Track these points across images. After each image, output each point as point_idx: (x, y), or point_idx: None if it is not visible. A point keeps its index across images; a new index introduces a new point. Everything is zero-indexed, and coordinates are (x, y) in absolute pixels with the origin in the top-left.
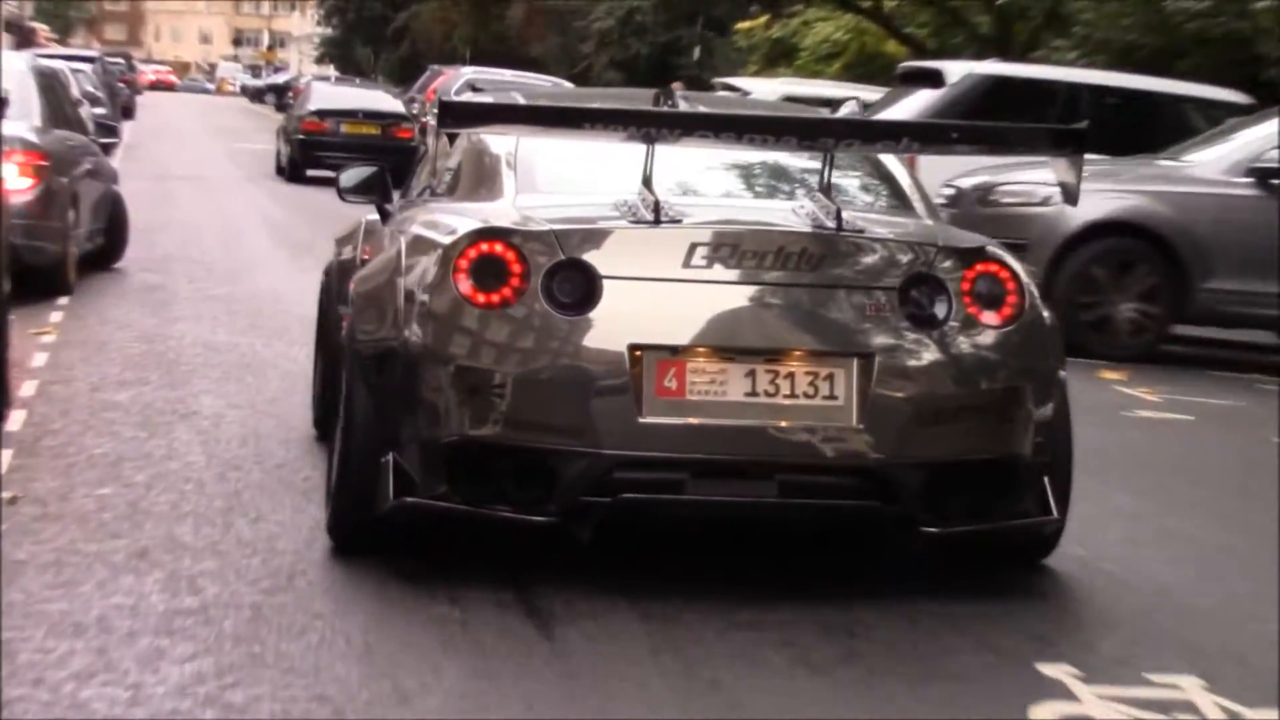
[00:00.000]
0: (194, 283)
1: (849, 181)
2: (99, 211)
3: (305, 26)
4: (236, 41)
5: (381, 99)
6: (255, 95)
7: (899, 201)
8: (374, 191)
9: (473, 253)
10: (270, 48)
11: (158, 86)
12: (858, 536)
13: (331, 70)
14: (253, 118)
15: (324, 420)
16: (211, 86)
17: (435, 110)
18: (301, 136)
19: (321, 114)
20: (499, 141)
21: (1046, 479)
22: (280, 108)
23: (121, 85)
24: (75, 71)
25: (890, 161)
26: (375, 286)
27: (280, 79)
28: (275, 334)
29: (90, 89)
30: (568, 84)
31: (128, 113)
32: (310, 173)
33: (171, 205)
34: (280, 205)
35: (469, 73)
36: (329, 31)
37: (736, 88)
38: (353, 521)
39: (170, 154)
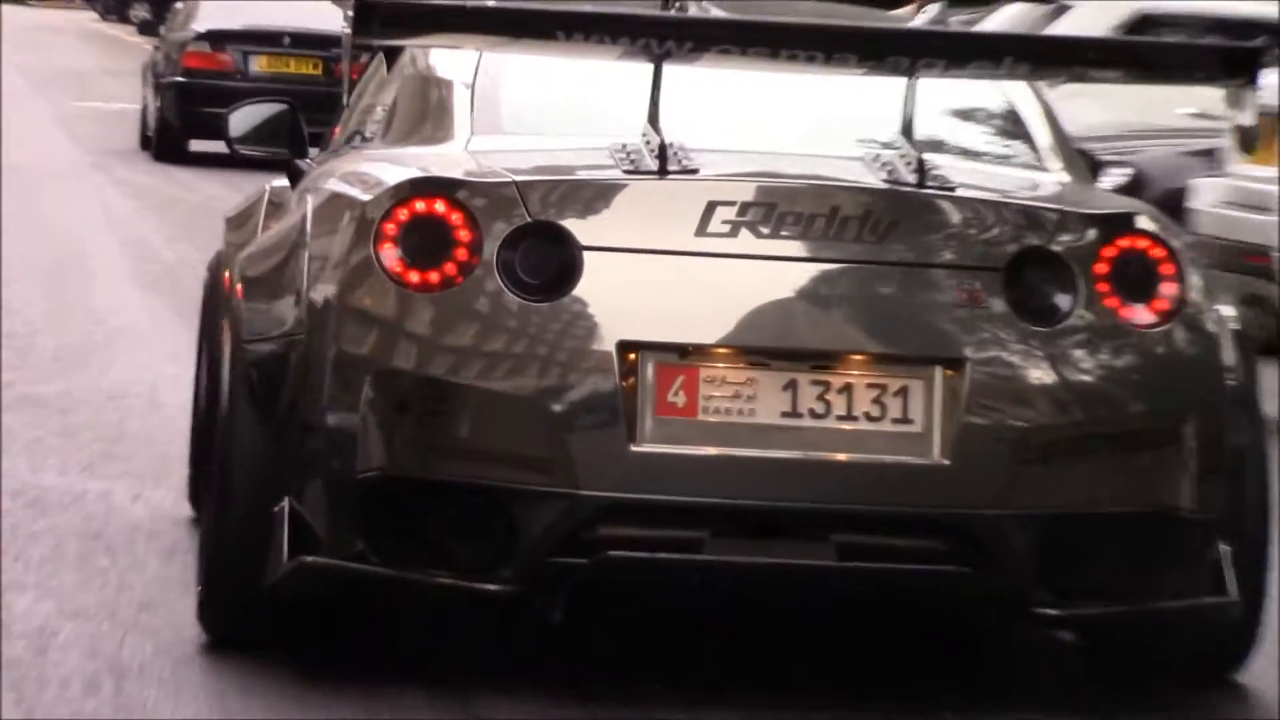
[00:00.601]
0: None
1: (950, 119)
2: None
3: None
4: None
5: (324, 13)
6: (113, 5)
7: (1024, 149)
8: (280, 140)
9: (403, 213)
10: None
11: None
12: (944, 619)
13: None
14: (107, 50)
15: (207, 567)
16: None
17: (350, 14)
18: (181, 80)
19: (216, 39)
20: (452, 66)
21: (1226, 546)
22: (147, 30)
23: None
24: None
25: (1017, 91)
26: (268, 268)
27: None
28: (146, 472)
29: None
30: None
31: None
32: (197, 145)
33: None
34: (150, 210)
35: None
36: None
37: None
38: (233, 598)
39: None
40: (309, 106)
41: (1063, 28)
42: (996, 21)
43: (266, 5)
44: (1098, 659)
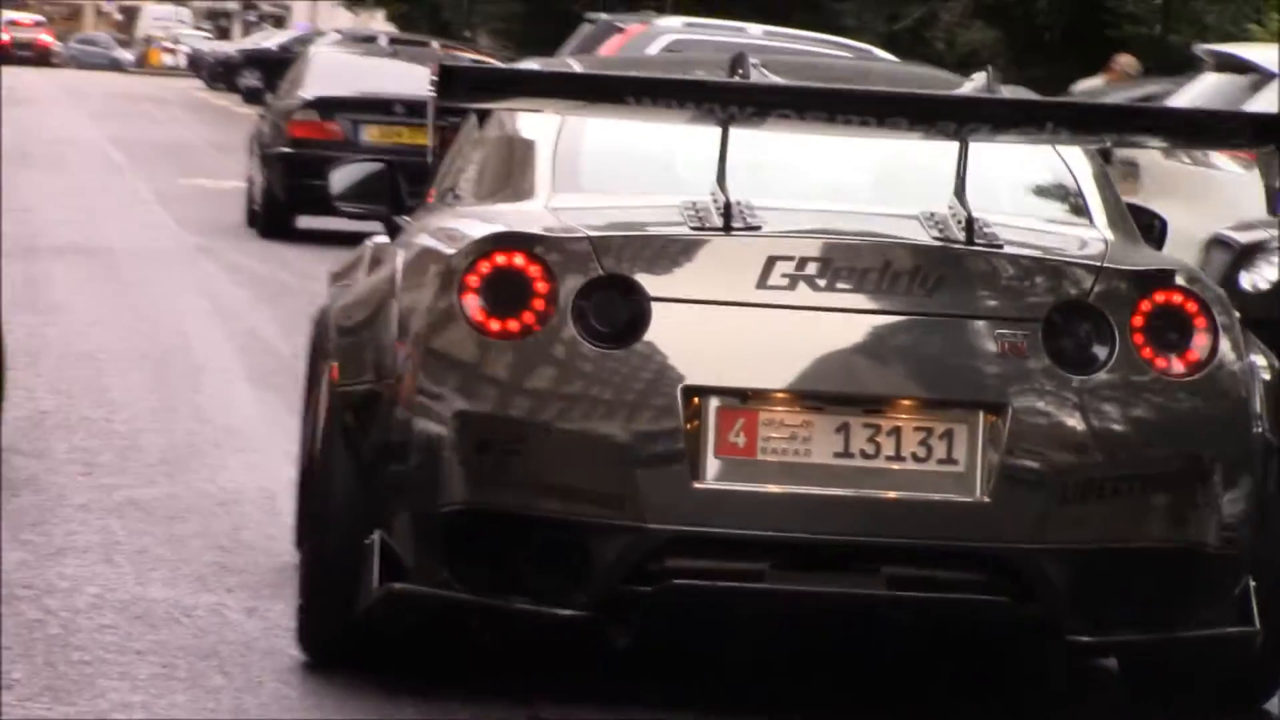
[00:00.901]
0: (95, 474)
1: (1004, 179)
2: None
3: None
4: None
5: None
6: (220, 74)
7: (1073, 208)
8: (379, 198)
9: (485, 266)
10: None
11: (14, 55)
12: (984, 648)
13: (378, 21)
14: (215, 120)
15: (308, 595)
16: (129, 55)
17: (434, 79)
18: (287, 151)
19: (325, 108)
20: (537, 128)
21: (1252, 581)
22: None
23: None
24: None
25: (1070, 153)
26: (363, 318)
27: (272, 42)
28: (262, 584)
29: None
30: (886, 56)
31: None
32: (305, 222)
33: (47, 309)
34: (262, 299)
35: (672, 28)
36: None
37: (1242, 60)
38: (329, 621)
39: (44, 200)
40: (422, 178)
41: (1263, 101)
42: (1195, 91)
43: (379, 71)
44: (1136, 688)
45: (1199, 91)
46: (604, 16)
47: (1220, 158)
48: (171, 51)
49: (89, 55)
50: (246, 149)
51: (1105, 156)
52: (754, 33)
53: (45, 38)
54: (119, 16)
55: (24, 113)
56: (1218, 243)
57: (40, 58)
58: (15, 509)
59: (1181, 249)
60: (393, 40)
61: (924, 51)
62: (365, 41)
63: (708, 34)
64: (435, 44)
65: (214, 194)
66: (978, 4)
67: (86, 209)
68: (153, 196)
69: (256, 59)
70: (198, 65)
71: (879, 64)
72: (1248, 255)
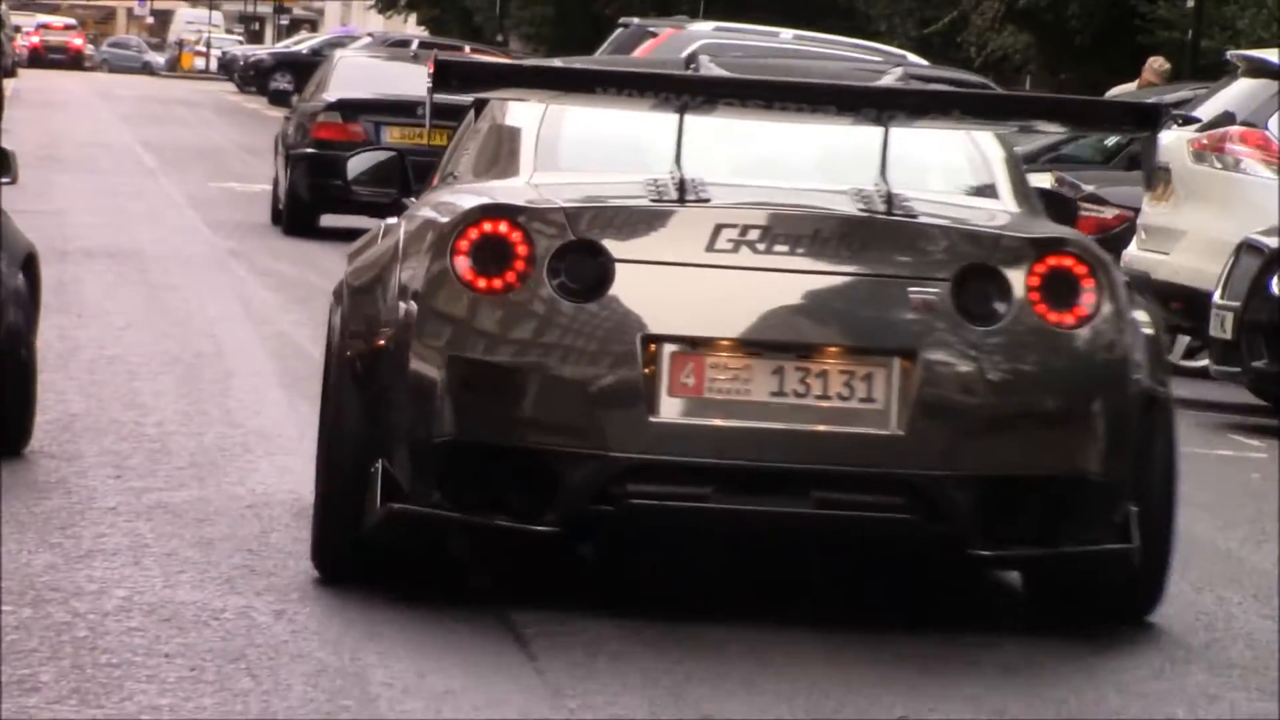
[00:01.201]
0: (124, 477)
1: (925, 161)
2: None
3: None
4: None
5: None
6: (252, 77)
7: (982, 186)
8: (390, 182)
9: (474, 233)
10: None
11: (47, 59)
12: (897, 563)
13: (410, 25)
14: (246, 124)
15: (321, 516)
16: (161, 59)
17: (431, 72)
18: (311, 151)
19: (348, 109)
20: (523, 116)
21: (1131, 506)
22: (279, 100)
23: None
24: None
25: (984, 137)
26: (368, 279)
27: (303, 46)
28: (290, 587)
29: None
30: (918, 61)
31: None
32: (328, 220)
33: (78, 312)
34: (293, 302)
35: (703, 33)
36: None
37: (1273, 65)
38: (339, 541)
39: (74, 203)
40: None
41: None
42: (1227, 96)
43: (401, 75)
44: (1034, 600)
45: (1230, 96)
46: (637, 21)
47: (1251, 163)
48: (203, 55)
49: (121, 59)
50: (271, 149)
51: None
52: (784, 37)
53: (77, 41)
54: (151, 20)
55: (55, 116)
56: (1248, 247)
57: (72, 61)
58: (44, 511)
59: (1212, 253)
60: (423, 44)
61: (955, 55)
62: (397, 45)
63: (739, 38)
64: (467, 48)
65: (244, 197)
66: (1009, 8)
67: (117, 212)
68: (184, 200)
69: (288, 62)
70: (229, 69)
71: (824, 59)
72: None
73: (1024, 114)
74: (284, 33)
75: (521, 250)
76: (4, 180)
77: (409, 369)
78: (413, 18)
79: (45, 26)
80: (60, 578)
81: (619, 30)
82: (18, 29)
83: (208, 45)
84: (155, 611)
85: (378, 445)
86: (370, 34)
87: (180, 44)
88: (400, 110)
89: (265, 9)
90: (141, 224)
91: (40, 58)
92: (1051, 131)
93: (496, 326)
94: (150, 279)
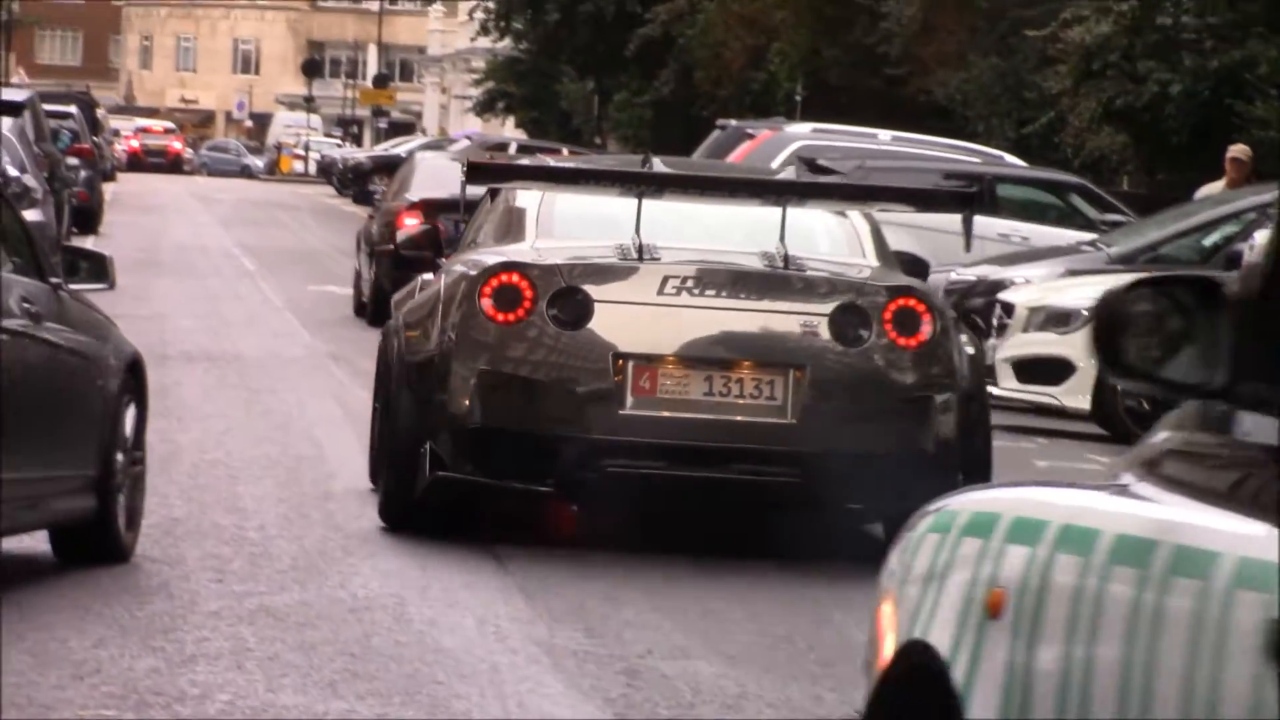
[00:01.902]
0: (226, 581)
1: (816, 229)
2: (80, 440)
3: (458, 37)
4: (312, 68)
5: None
6: (351, 179)
7: (854, 249)
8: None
9: (495, 282)
10: (382, 82)
11: (146, 162)
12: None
13: (509, 128)
14: (345, 227)
15: (394, 506)
16: (260, 162)
17: (464, 169)
18: (390, 248)
19: (429, 208)
20: (527, 199)
21: (961, 475)
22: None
23: (70, 165)
24: None
25: (855, 215)
26: (421, 316)
27: (401, 149)
28: (393, 691)
29: (12, 171)
30: (1015, 162)
31: (85, 221)
32: None
33: (179, 416)
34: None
35: (801, 135)
36: (500, 47)
37: None
38: (400, 502)
39: (173, 307)
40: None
41: None
42: None
43: None
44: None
45: None
46: (734, 123)
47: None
48: (302, 158)
49: (220, 162)
50: (354, 245)
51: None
52: (882, 138)
53: (176, 144)
54: (250, 123)
55: (155, 219)
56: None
57: (171, 164)
58: (147, 616)
59: None
60: (521, 146)
61: (1053, 156)
62: (496, 148)
63: (836, 140)
64: (564, 150)
65: (343, 300)
66: (1106, 109)
67: (217, 316)
68: (282, 303)
69: (386, 165)
70: (328, 172)
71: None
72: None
73: (876, 198)
74: (382, 136)
75: (528, 294)
76: (101, 285)
77: (450, 378)
78: (510, 120)
79: (144, 130)
80: (163, 682)
81: (716, 132)
82: (116, 133)
83: (306, 148)
84: (258, 716)
85: (427, 433)
86: (469, 137)
87: (279, 147)
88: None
89: (363, 112)
90: (241, 327)
91: (139, 161)
92: (889, 210)
93: (511, 348)
94: (250, 382)
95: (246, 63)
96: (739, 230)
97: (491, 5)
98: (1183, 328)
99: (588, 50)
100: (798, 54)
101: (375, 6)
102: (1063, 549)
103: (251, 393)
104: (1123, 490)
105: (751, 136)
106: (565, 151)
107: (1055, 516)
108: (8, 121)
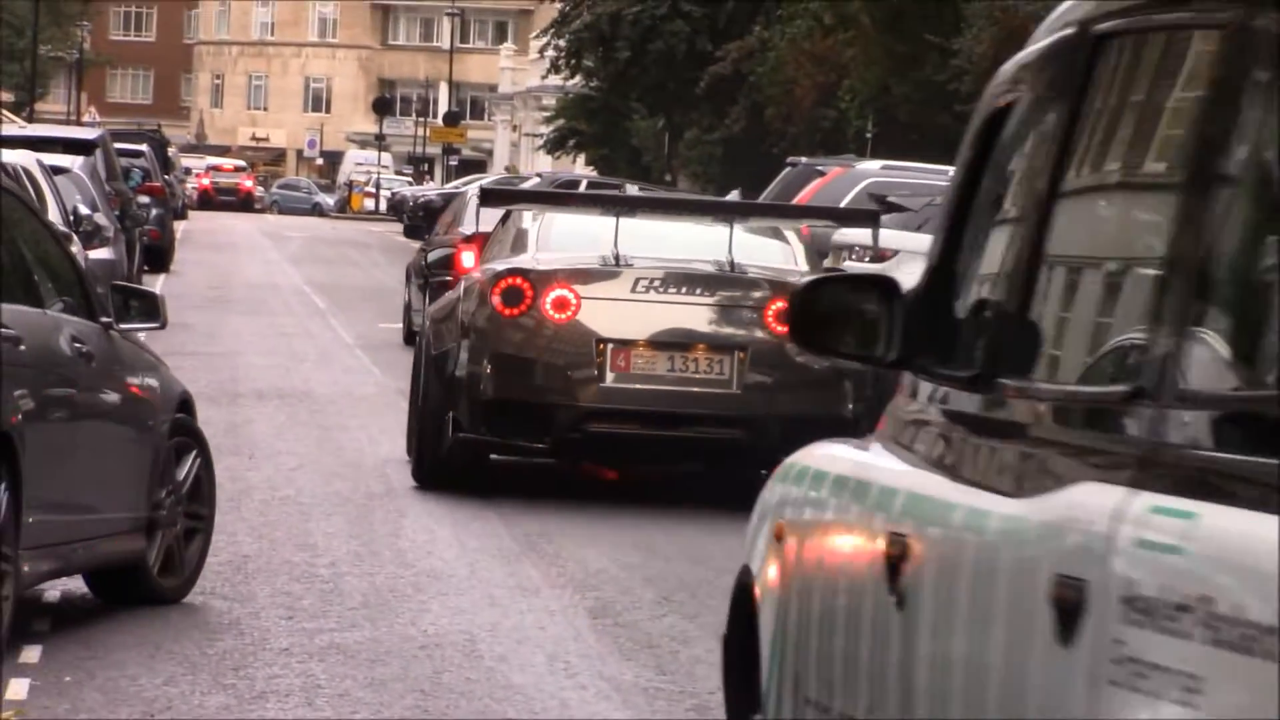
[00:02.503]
0: (297, 618)
1: (758, 244)
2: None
3: (529, 75)
4: (383, 106)
5: None
6: (421, 217)
7: (788, 258)
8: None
9: (503, 284)
10: (453, 120)
11: (217, 200)
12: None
13: (579, 166)
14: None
15: (425, 465)
16: (329, 200)
17: (478, 194)
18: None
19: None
20: (529, 220)
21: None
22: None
23: (142, 203)
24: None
25: (790, 234)
26: (443, 315)
27: (471, 190)
28: None
29: (84, 210)
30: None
31: (156, 259)
32: None
33: (250, 454)
34: None
35: (871, 171)
36: (571, 84)
37: None
38: (428, 460)
39: (244, 344)
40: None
41: None
42: None
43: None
44: None
45: None
46: (805, 160)
47: None
48: (373, 196)
49: (291, 200)
50: (404, 277)
51: None
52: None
53: (247, 183)
54: (320, 161)
55: (226, 258)
56: None
57: (242, 203)
58: (217, 653)
59: None
60: (592, 184)
61: None
62: (566, 185)
63: (905, 176)
64: (635, 188)
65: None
66: None
67: (288, 353)
68: (353, 340)
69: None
70: (399, 209)
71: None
72: None
73: (796, 216)
74: (453, 174)
75: (529, 293)
76: (152, 325)
77: (468, 361)
78: (581, 158)
79: (215, 169)
80: (233, 719)
81: (787, 169)
82: (188, 171)
83: (377, 186)
84: None
85: (449, 404)
86: (539, 174)
87: (350, 185)
88: None
89: (434, 150)
90: (312, 365)
91: (210, 199)
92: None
93: (516, 336)
94: (321, 420)
95: (318, 101)
96: (697, 244)
97: (562, 44)
98: (863, 314)
99: (658, 88)
100: (868, 91)
101: (446, 45)
102: (810, 488)
103: (323, 430)
104: (863, 444)
105: (822, 174)
106: (636, 189)
107: (812, 463)
108: (79, 160)
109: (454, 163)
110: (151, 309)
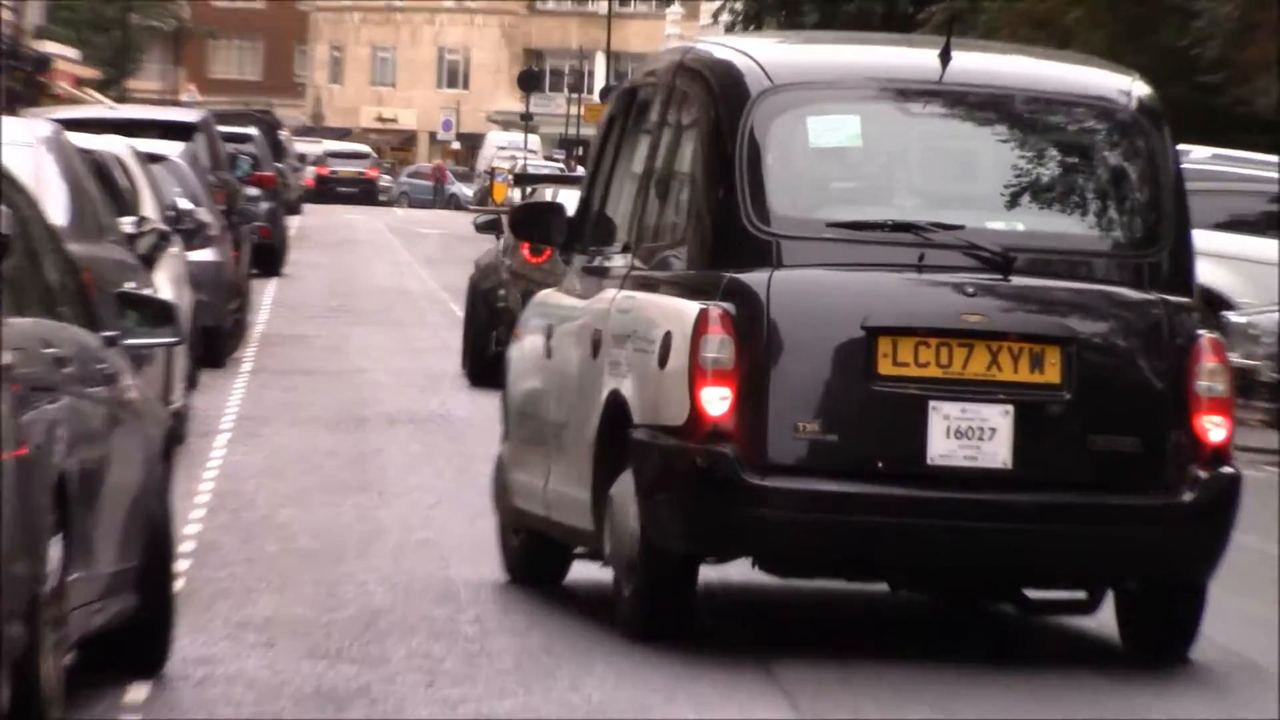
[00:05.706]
0: (437, 684)
1: None
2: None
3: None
4: (530, 81)
5: None
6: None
7: None
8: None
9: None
10: (608, 94)
11: (333, 190)
12: None
13: None
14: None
15: (473, 366)
16: (469, 190)
17: (514, 178)
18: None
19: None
20: (549, 195)
21: None
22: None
23: (250, 195)
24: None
25: None
26: (488, 264)
27: None
28: None
29: (184, 204)
30: None
31: (267, 261)
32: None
33: (380, 489)
34: None
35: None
36: None
37: None
38: (478, 358)
39: (371, 361)
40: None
41: None
42: None
43: None
44: None
45: None
46: None
47: None
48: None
49: (422, 190)
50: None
51: None
52: (1197, 155)
53: (371, 171)
54: (457, 145)
55: (347, 258)
56: None
57: (365, 194)
58: None
59: None
60: None
61: None
62: None
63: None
64: None
65: None
66: None
67: (422, 371)
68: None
69: None
70: None
71: None
72: None
73: None
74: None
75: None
76: (169, 338)
77: (509, 293)
78: None
79: (334, 154)
80: None
81: None
82: (302, 158)
83: (522, 167)
84: None
85: (492, 323)
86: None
87: (491, 173)
88: None
89: (589, 130)
90: (449, 385)
91: (328, 190)
92: None
93: (540, 276)
94: (462, 449)
95: (454, 76)
96: None
97: (739, 6)
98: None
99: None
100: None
101: (603, 9)
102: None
103: (464, 460)
104: (553, 290)
105: None
106: None
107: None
108: (178, 147)
109: None
110: (166, 320)
